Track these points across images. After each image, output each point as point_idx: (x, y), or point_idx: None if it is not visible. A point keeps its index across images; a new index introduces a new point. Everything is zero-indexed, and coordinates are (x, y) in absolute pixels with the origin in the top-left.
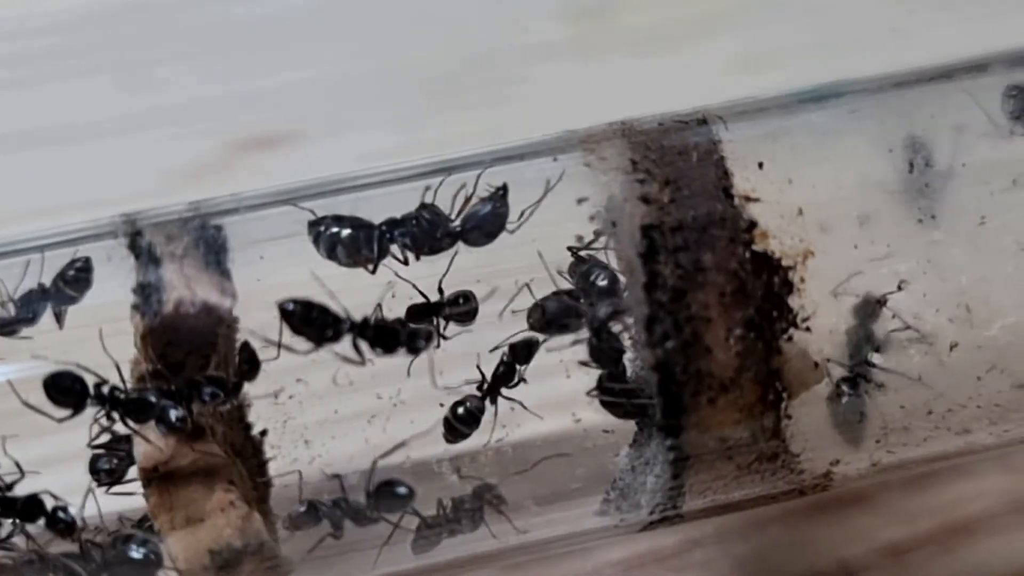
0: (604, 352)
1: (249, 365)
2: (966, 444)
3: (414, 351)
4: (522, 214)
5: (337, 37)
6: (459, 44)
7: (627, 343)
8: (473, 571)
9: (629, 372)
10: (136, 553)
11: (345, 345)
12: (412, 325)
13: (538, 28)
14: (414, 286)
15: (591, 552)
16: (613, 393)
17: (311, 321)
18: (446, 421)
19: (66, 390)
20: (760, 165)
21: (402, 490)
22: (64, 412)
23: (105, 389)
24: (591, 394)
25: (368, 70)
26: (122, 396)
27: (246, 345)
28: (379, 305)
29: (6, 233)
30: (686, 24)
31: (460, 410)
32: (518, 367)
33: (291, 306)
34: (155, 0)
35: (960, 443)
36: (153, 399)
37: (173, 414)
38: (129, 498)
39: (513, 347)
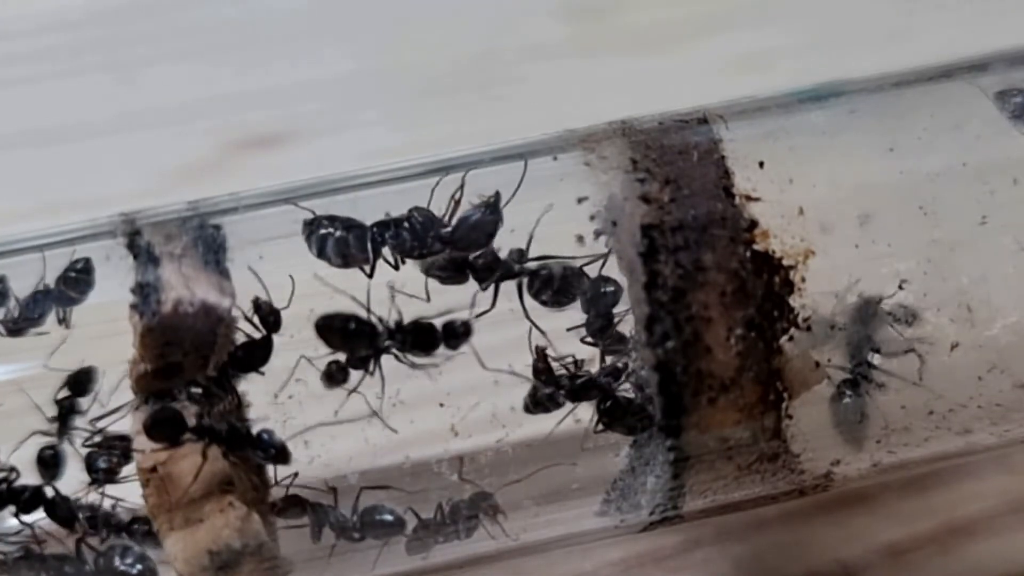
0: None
1: (273, 317)
2: (967, 444)
3: (454, 346)
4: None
5: (336, 37)
6: (458, 44)
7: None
8: (472, 571)
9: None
10: (131, 569)
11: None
12: (448, 320)
13: (537, 28)
14: (392, 295)
15: (591, 552)
16: (613, 417)
17: (349, 334)
18: (532, 393)
19: (169, 424)
20: (761, 164)
21: (388, 517)
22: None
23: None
24: (597, 431)
25: (367, 70)
26: (223, 430)
27: (259, 300)
28: (395, 308)
29: (5, 233)
30: (686, 24)
31: (539, 395)
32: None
33: (327, 322)
34: (153, 0)
35: (961, 443)
36: (258, 434)
37: (274, 443)
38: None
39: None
